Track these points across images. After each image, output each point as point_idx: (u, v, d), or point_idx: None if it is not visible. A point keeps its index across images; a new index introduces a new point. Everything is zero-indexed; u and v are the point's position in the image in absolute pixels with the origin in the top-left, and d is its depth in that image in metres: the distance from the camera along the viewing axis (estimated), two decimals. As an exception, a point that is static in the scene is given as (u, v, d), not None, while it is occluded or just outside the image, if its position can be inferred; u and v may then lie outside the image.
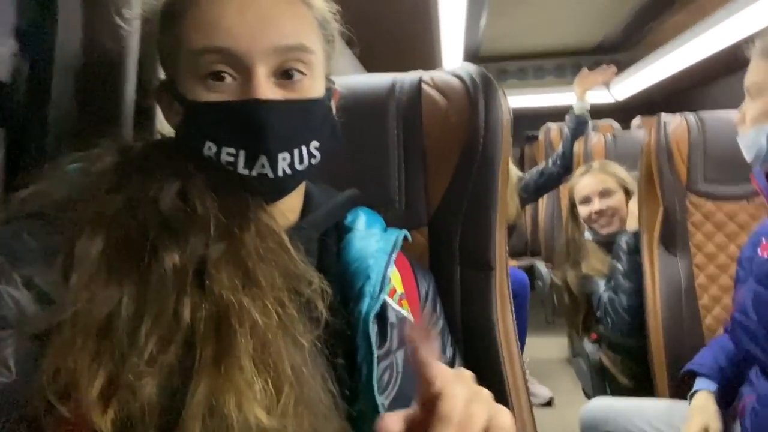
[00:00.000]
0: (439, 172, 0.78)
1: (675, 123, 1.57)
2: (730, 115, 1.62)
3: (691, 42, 2.86)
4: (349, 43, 0.67)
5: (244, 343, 0.44)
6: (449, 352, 0.70)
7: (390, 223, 0.73)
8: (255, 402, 0.42)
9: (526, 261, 4.09)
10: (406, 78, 0.81)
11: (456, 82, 0.78)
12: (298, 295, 0.51)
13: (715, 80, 3.58)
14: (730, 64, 3.16)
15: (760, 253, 1.03)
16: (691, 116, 1.57)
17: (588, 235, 1.91)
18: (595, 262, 1.81)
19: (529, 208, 4.13)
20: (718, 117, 1.60)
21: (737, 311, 1.03)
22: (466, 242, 0.77)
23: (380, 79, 0.82)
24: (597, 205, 1.82)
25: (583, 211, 1.88)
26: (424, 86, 0.79)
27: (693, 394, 1.16)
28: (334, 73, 0.64)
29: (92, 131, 0.59)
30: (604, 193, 1.83)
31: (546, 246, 3.60)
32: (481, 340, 0.76)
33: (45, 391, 0.39)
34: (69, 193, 0.48)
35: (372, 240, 0.63)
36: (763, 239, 1.04)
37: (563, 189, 3.57)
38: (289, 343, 0.47)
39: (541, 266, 3.50)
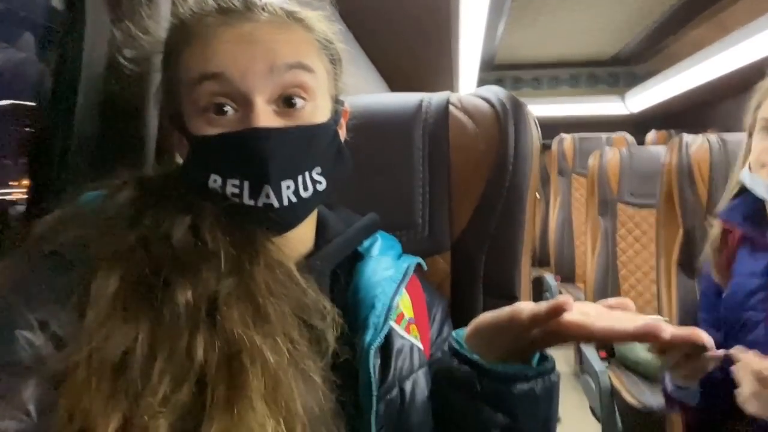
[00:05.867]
0: (465, 197, 0.76)
1: (696, 144, 1.54)
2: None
3: (712, 58, 2.83)
4: (365, 47, 0.66)
5: (255, 382, 0.44)
6: None
7: (412, 246, 0.71)
8: None
9: (533, 272, 4.06)
10: (433, 99, 0.79)
11: (485, 106, 0.76)
12: (310, 328, 0.51)
13: (732, 97, 3.54)
14: (748, 82, 3.12)
15: None
16: (713, 137, 1.54)
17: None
18: None
19: (539, 217, 4.11)
20: (740, 139, 1.57)
21: None
22: (491, 270, 0.75)
23: (407, 99, 0.80)
24: None
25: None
26: (452, 108, 0.78)
27: None
28: (356, 87, 0.62)
29: (115, 152, 0.58)
30: None
31: (556, 258, 3.57)
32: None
33: None
34: (85, 231, 0.48)
35: (382, 267, 0.61)
36: None
37: (574, 201, 3.56)
38: (300, 381, 0.47)
39: (549, 279, 3.47)
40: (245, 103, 0.51)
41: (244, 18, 0.52)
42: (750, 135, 1.09)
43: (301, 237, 0.59)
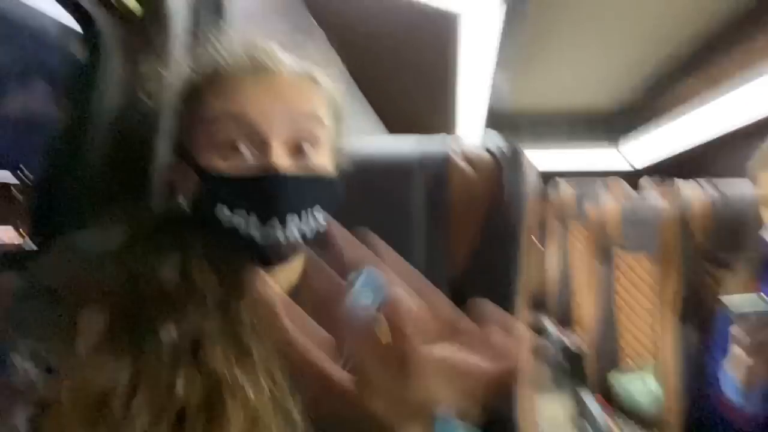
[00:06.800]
0: (463, 242, 0.77)
1: (694, 192, 1.56)
2: (748, 185, 1.62)
3: (710, 112, 2.88)
4: (367, 93, 0.70)
5: (235, 418, 0.45)
6: None
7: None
8: None
9: (531, 316, 4.00)
10: (433, 144, 0.81)
11: (485, 153, 0.78)
12: None
13: (734, 147, 3.59)
14: (746, 135, 3.18)
15: None
16: (711, 187, 1.56)
17: None
18: None
19: (537, 263, 4.09)
20: (736, 187, 1.58)
21: None
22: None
23: (406, 145, 0.82)
24: None
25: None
26: (452, 155, 0.79)
27: None
28: (354, 127, 0.65)
29: (121, 191, 0.59)
30: None
31: (554, 303, 3.53)
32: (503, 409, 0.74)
33: None
34: (77, 267, 0.51)
35: None
36: None
37: (572, 247, 3.55)
38: (280, 418, 0.48)
39: (547, 323, 3.43)
40: (261, 145, 0.54)
41: (269, 71, 0.57)
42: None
43: (288, 274, 0.61)
